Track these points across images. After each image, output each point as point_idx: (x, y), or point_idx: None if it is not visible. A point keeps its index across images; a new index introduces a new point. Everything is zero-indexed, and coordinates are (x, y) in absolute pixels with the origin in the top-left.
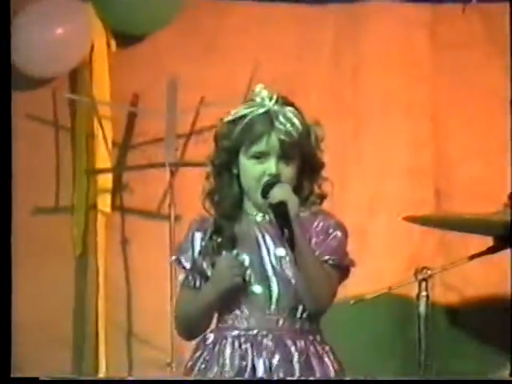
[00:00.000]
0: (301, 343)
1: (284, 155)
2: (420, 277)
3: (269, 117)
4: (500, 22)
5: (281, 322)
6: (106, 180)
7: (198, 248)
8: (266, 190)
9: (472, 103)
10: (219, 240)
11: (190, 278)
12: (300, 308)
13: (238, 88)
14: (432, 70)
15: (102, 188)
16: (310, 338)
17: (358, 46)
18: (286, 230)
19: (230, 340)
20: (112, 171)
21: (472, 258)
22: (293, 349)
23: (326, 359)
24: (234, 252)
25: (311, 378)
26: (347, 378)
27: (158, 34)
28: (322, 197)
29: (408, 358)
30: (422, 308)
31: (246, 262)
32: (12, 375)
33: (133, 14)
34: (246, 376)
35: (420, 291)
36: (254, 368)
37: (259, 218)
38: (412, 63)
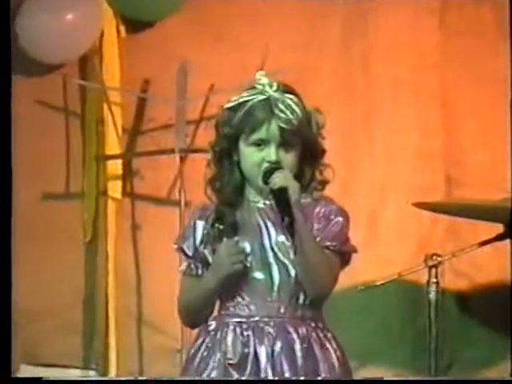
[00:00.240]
0: (303, 330)
1: (284, 143)
2: (430, 263)
3: (269, 104)
4: (509, 10)
5: (282, 309)
6: (115, 166)
7: (199, 236)
8: (266, 176)
9: (482, 90)
10: (221, 227)
11: (192, 265)
12: (301, 295)
13: (248, 75)
14: (441, 57)
15: (111, 174)
16: (312, 324)
17: (368, 33)
18: (286, 216)
19: (231, 327)
20: (122, 157)
21: (482, 244)
22: (295, 336)
23: (329, 346)
24: (235, 239)
25: (311, 379)
26: (348, 378)
27: (168, 20)
28: (324, 183)
29: (418, 344)
30: (432, 294)
31: (248, 249)
32: (22, 362)
33: (143, 0)
34: (249, 363)
35: (430, 278)
36: (256, 355)
37: (261, 204)
38: (421, 51)
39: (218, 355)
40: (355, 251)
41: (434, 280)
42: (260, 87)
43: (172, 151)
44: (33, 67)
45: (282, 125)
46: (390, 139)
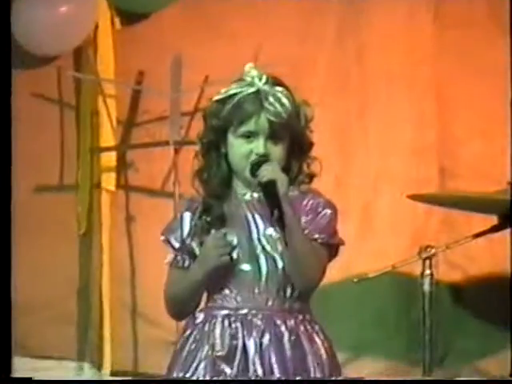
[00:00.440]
0: (291, 322)
1: (273, 135)
2: (424, 255)
3: (258, 96)
4: (503, 1)
5: (270, 301)
6: (110, 158)
7: (187, 228)
8: (254, 169)
9: (476, 82)
10: (208, 219)
11: (179, 257)
12: (289, 287)
13: (243, 68)
14: (435, 50)
15: (106, 166)
16: (300, 317)
17: (363, 26)
18: (275, 209)
19: (219, 319)
20: (116, 149)
21: (476, 236)
22: (283, 328)
23: (316, 338)
24: (223, 231)
25: (310, 379)
26: (347, 378)
27: (163, 12)
28: (311, 176)
29: (412, 336)
30: (426, 286)
31: (235, 241)
32: (16, 354)
33: None
34: (238, 355)
35: (424, 269)
36: (244, 347)
37: (248, 197)
38: (416, 43)
39: (206, 348)
40: (343, 244)
41: (428, 272)
42: (249, 79)
43: (166, 143)
44: (27, 59)
45: (271, 117)
46: (384, 132)
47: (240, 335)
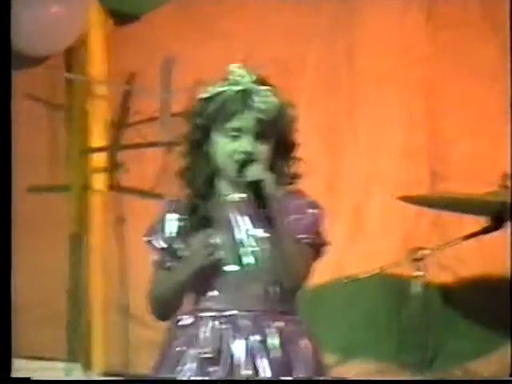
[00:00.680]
0: (278, 323)
1: (258, 133)
2: (415, 257)
3: (244, 94)
4: (497, 1)
5: (257, 302)
6: (101, 159)
7: (170, 228)
8: (240, 169)
9: (467, 83)
10: (193, 220)
11: (163, 259)
12: (275, 287)
13: None
14: (428, 50)
15: (97, 167)
16: (287, 318)
17: (354, 26)
18: (262, 208)
19: (206, 321)
20: (107, 150)
21: (466, 238)
22: (270, 329)
23: (303, 338)
24: (208, 232)
25: (310, 379)
26: (348, 378)
27: (155, 13)
28: (295, 177)
29: (403, 337)
30: (417, 288)
31: (220, 242)
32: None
33: None
34: (225, 356)
35: (415, 271)
36: (231, 349)
37: (233, 197)
38: (408, 44)
39: (194, 350)
40: (328, 244)
41: (419, 273)
42: (234, 78)
43: (157, 144)
44: (18, 60)
45: (258, 115)
46: (375, 133)
47: (227, 337)
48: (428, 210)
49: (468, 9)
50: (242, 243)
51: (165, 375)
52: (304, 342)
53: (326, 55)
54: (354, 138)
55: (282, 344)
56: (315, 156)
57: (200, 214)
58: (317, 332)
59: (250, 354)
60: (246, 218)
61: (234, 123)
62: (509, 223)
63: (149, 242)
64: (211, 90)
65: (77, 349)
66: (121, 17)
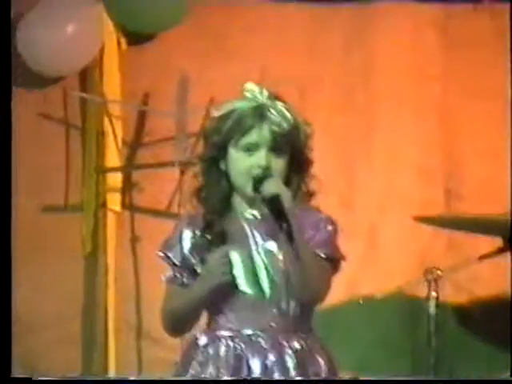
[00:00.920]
0: (294, 342)
1: (275, 147)
2: (429, 277)
3: (260, 110)
4: (509, 20)
5: (273, 321)
6: (115, 178)
7: (186, 245)
8: (257, 184)
9: (483, 102)
10: (209, 236)
11: (178, 274)
12: (292, 306)
13: None
14: (442, 68)
15: (111, 186)
16: (303, 336)
17: (369, 44)
18: (282, 224)
19: (223, 341)
20: (122, 170)
21: (481, 258)
22: (287, 348)
23: (319, 358)
24: (225, 249)
25: (309, 378)
26: (347, 378)
27: (169, 33)
28: (311, 194)
29: (417, 357)
30: (432, 308)
31: (237, 259)
32: (20, 374)
33: (143, 13)
34: (243, 376)
35: (429, 291)
36: (249, 368)
37: (249, 214)
38: (422, 62)
39: (211, 370)
40: (344, 259)
41: (434, 293)
42: (250, 95)
43: (172, 164)
44: (33, 80)
45: (274, 127)
46: (390, 152)
47: (244, 357)
48: (443, 230)
49: (482, 27)
50: (256, 260)
51: None
52: (321, 361)
53: (341, 73)
54: (370, 156)
55: (299, 363)
56: (331, 174)
57: (216, 230)
58: (331, 350)
59: (267, 374)
60: (261, 235)
61: (250, 138)
62: None
63: (164, 256)
64: (227, 107)
65: (92, 368)
66: (135, 37)
